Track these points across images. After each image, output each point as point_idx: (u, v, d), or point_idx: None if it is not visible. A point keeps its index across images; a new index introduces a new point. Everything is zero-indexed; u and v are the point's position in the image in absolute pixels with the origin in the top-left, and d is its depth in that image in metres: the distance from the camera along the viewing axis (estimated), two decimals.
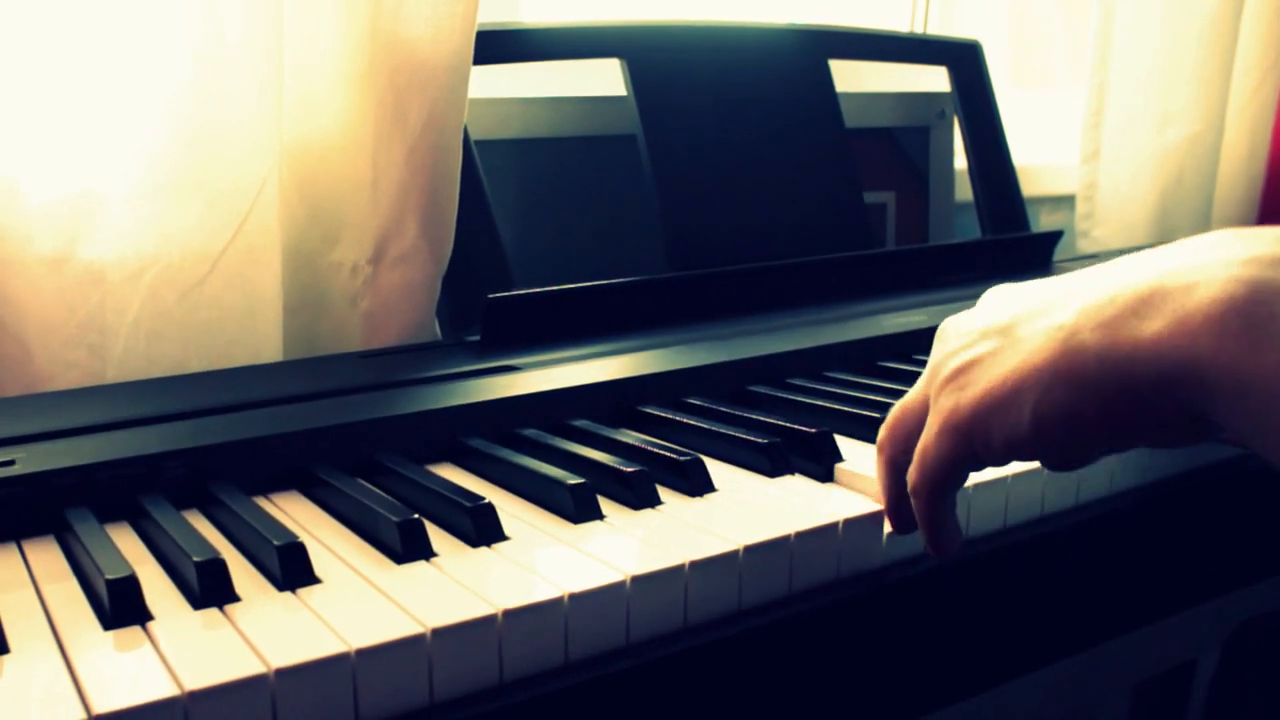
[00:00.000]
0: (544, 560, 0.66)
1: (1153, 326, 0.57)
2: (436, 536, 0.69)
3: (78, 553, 0.66)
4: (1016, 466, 0.79)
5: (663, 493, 0.76)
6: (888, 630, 0.73)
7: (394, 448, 0.82)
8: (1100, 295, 0.60)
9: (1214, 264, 0.56)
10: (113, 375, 0.99)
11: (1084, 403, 0.59)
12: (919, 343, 1.11)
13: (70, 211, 0.96)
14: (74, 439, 0.78)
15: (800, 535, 0.69)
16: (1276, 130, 2.08)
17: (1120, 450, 0.65)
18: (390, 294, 1.10)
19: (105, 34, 0.95)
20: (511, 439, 0.86)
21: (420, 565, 0.65)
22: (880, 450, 0.73)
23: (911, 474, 0.68)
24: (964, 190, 1.58)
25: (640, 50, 1.24)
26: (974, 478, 0.76)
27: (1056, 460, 0.63)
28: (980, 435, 0.64)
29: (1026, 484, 0.80)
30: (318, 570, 0.64)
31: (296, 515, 0.75)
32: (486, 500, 0.70)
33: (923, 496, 0.68)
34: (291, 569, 0.63)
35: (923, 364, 1.05)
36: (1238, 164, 2.04)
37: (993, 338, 0.65)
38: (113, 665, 0.54)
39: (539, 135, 1.28)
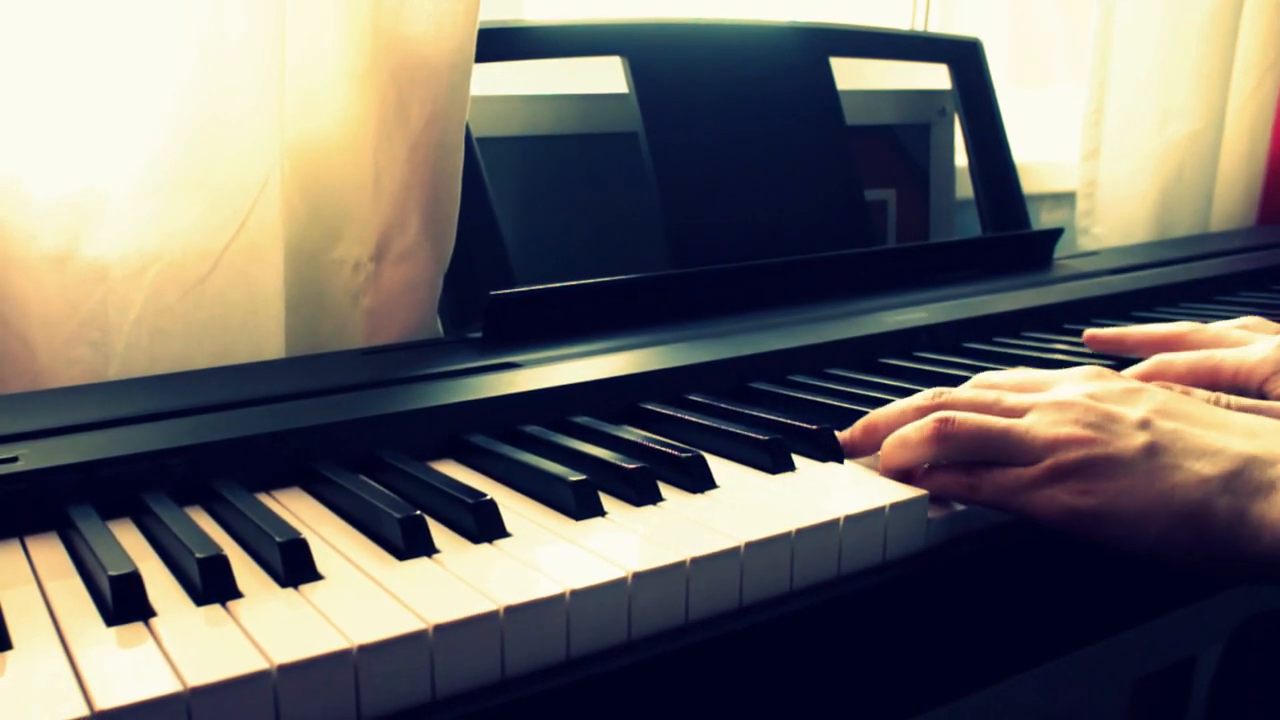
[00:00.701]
0: (546, 556, 0.66)
1: (1273, 509, 0.65)
2: (438, 533, 0.69)
3: (80, 549, 0.66)
4: None
5: (664, 489, 0.76)
6: (889, 626, 0.73)
7: (396, 444, 0.82)
8: (1238, 460, 0.67)
9: None
10: (115, 372, 0.99)
11: (1199, 549, 0.67)
12: (919, 340, 1.11)
13: (73, 209, 0.96)
14: (77, 436, 0.78)
15: (801, 532, 0.69)
16: (1276, 128, 2.08)
17: None
18: (392, 291, 1.10)
19: (107, 32, 0.95)
20: (513, 435, 0.86)
21: (422, 562, 0.65)
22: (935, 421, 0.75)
23: (982, 491, 0.73)
24: (965, 188, 1.58)
25: (642, 48, 1.24)
26: None
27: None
28: (1087, 529, 0.69)
29: None
30: (320, 567, 0.64)
31: (299, 512, 0.75)
32: (488, 497, 0.70)
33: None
34: (294, 565, 0.63)
35: (924, 361, 1.06)
36: (1238, 161, 2.04)
37: (1138, 448, 0.69)
38: (115, 661, 0.54)
39: (541, 133, 1.28)
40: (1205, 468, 0.67)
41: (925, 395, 0.80)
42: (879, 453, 0.79)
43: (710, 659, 0.64)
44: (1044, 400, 0.74)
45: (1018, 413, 0.75)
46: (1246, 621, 1.54)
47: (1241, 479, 0.66)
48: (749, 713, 0.66)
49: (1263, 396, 0.84)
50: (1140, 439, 0.69)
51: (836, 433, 0.83)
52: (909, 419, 0.78)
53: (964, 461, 0.74)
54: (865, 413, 0.88)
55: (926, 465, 0.76)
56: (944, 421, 0.74)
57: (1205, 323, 1.01)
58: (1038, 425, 0.72)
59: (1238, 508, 0.65)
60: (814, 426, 0.83)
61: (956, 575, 0.74)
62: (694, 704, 0.64)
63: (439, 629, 0.56)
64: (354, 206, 1.08)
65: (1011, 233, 1.54)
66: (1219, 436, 0.69)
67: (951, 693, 0.77)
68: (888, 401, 0.90)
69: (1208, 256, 1.61)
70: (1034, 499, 0.70)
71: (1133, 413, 0.71)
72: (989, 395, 0.77)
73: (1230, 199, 2.06)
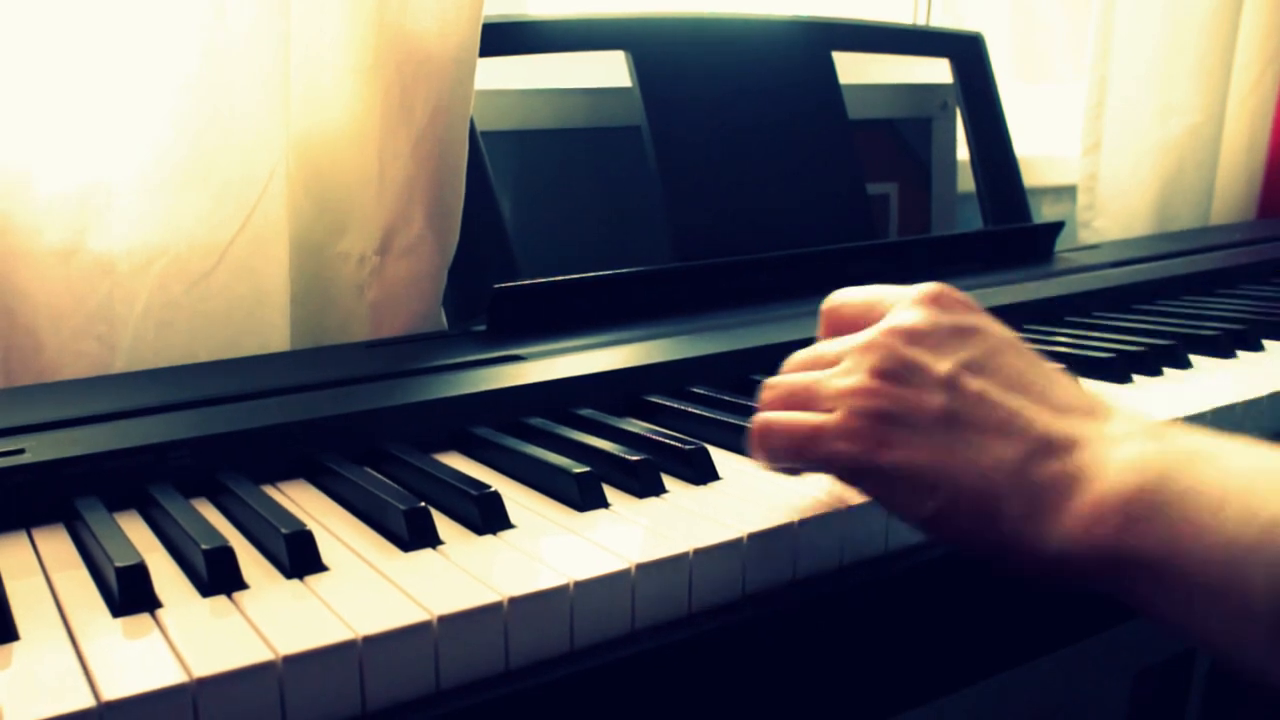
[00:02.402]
0: (549, 548, 0.66)
1: (1065, 505, 0.60)
2: (443, 524, 0.69)
3: (87, 541, 0.66)
4: None
5: (668, 481, 0.76)
6: (890, 618, 0.73)
7: (401, 437, 0.83)
8: (1038, 443, 0.62)
9: (1122, 453, 0.60)
10: (121, 365, 0.99)
11: (983, 540, 0.62)
12: None
13: (79, 203, 0.97)
14: (83, 428, 0.78)
15: (804, 522, 0.69)
16: (1277, 122, 2.08)
17: None
18: (397, 284, 1.11)
19: (114, 27, 0.95)
20: (517, 428, 0.86)
21: (427, 553, 0.65)
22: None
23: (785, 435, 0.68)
24: (966, 181, 1.58)
25: (644, 42, 1.24)
26: None
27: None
28: (870, 487, 0.65)
29: None
30: (325, 558, 0.64)
31: (304, 504, 0.75)
32: (493, 489, 0.70)
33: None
34: (299, 557, 0.63)
35: None
36: (1238, 155, 2.04)
37: (934, 412, 0.64)
38: (122, 652, 0.54)
39: (544, 127, 1.29)
40: (1000, 448, 0.61)
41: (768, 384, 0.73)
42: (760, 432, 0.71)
43: (713, 649, 0.64)
44: (856, 343, 0.68)
45: (829, 357, 0.69)
46: None
47: (1036, 466, 0.61)
48: (753, 703, 0.67)
49: None
50: (938, 400, 0.63)
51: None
52: (773, 405, 0.71)
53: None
54: None
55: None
56: (767, 388, 0.71)
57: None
58: (837, 375, 0.67)
59: (1028, 499, 0.60)
60: None
61: (958, 567, 0.74)
62: (697, 694, 0.65)
63: (443, 620, 0.56)
64: (359, 200, 1.08)
65: (1013, 226, 1.55)
66: (1025, 409, 0.63)
67: (952, 684, 0.77)
68: None
69: (1208, 250, 1.62)
70: (825, 452, 0.65)
71: (940, 364, 0.64)
72: (811, 353, 0.72)
73: (1231, 193, 2.06)
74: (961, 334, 0.67)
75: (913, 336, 0.66)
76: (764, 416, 0.69)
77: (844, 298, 0.75)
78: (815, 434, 0.66)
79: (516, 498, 0.74)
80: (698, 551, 0.65)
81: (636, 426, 0.84)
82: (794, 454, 0.67)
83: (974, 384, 0.64)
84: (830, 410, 0.66)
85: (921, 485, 0.62)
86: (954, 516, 0.61)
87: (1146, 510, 0.57)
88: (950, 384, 0.64)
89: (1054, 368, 0.68)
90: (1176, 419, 0.89)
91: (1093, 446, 0.61)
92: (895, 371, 0.65)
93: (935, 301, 0.68)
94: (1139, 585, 0.57)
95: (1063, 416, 0.63)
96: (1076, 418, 0.63)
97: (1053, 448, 0.61)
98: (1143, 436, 0.61)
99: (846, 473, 0.66)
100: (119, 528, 0.65)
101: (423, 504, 0.68)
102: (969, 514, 0.61)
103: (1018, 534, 0.60)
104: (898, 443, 0.63)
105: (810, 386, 0.68)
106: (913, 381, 0.64)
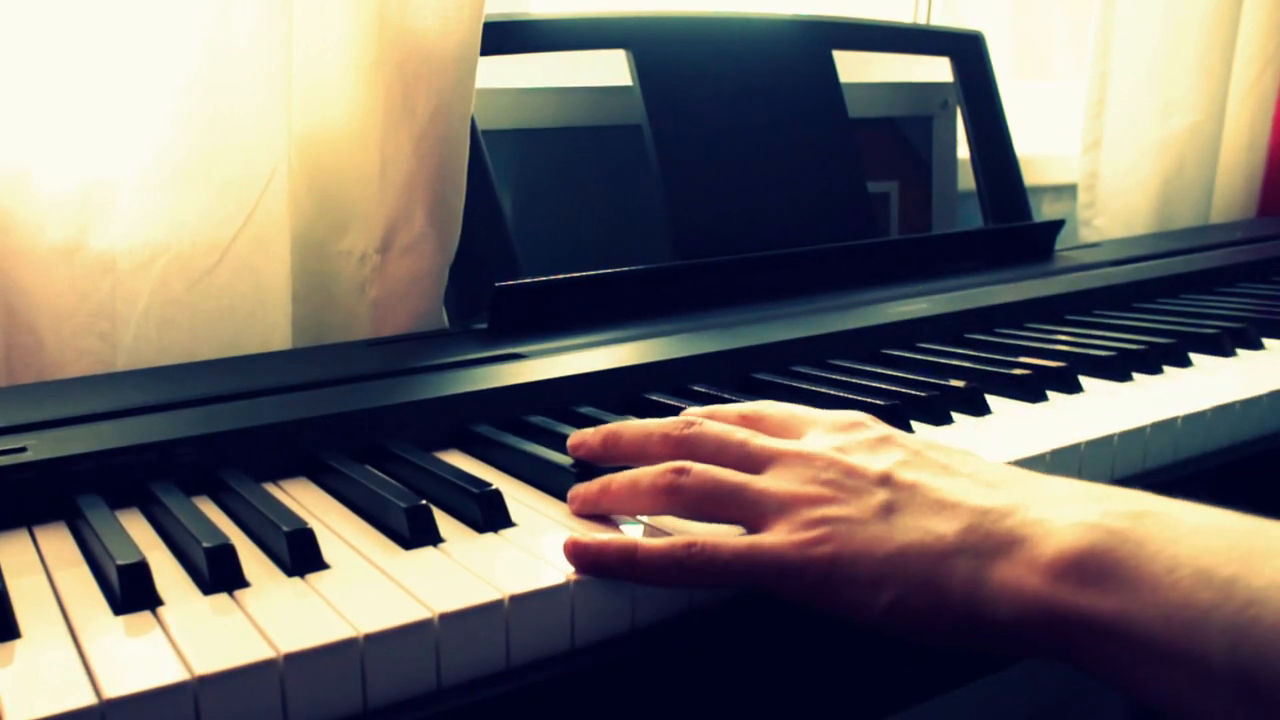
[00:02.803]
0: (551, 546, 0.66)
1: (1013, 570, 0.59)
2: (444, 522, 0.69)
3: (89, 538, 0.66)
4: (1032, 452, 0.80)
5: None
6: None
7: (402, 434, 0.83)
8: (974, 515, 0.61)
9: (1067, 514, 0.59)
10: (123, 363, 1.00)
11: (938, 619, 0.61)
12: (921, 331, 1.11)
13: (81, 201, 0.97)
14: (85, 426, 0.78)
15: None
16: (1277, 120, 2.08)
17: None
18: (398, 282, 1.11)
19: (116, 25, 0.95)
20: (518, 426, 0.86)
21: (428, 551, 0.65)
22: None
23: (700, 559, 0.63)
24: (966, 179, 1.59)
25: (645, 41, 1.24)
26: (995, 459, 0.78)
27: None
28: (817, 596, 0.63)
29: (1030, 469, 0.81)
30: (326, 556, 0.64)
31: (305, 501, 0.75)
32: (493, 486, 0.70)
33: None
34: (300, 555, 0.63)
35: (926, 351, 1.06)
36: (1238, 153, 2.04)
37: (875, 507, 0.64)
38: (123, 650, 0.54)
39: (545, 125, 1.29)
40: (941, 525, 0.61)
41: (676, 422, 0.72)
42: (605, 488, 0.70)
43: (715, 645, 0.65)
44: (789, 449, 0.68)
45: (762, 459, 0.68)
46: None
47: (978, 534, 0.60)
48: (755, 696, 0.67)
49: None
50: (878, 497, 0.63)
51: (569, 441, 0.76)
52: (654, 446, 0.71)
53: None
54: (867, 402, 0.88)
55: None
56: (679, 471, 0.67)
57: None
58: (775, 482, 0.66)
59: (975, 570, 0.59)
60: None
61: None
62: (699, 690, 0.65)
63: (445, 618, 0.57)
64: (360, 199, 1.08)
65: (1013, 224, 1.55)
66: (959, 488, 0.64)
67: (951, 683, 0.77)
68: (890, 391, 0.90)
69: (1208, 248, 1.62)
70: (761, 561, 0.63)
71: (875, 465, 0.66)
72: (737, 435, 0.70)
73: (1231, 191, 2.06)
74: (884, 442, 0.69)
75: (843, 449, 0.67)
76: (701, 477, 0.67)
77: (761, 408, 0.76)
78: (754, 550, 0.63)
79: (518, 495, 0.74)
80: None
81: None
82: (724, 575, 0.64)
83: (908, 476, 0.65)
84: (758, 518, 0.65)
85: (869, 582, 0.61)
86: (906, 610, 0.60)
87: (1098, 571, 0.56)
88: (887, 480, 0.65)
89: (977, 457, 0.69)
90: (1177, 417, 0.89)
91: (1035, 509, 0.61)
92: (836, 479, 0.65)
93: (853, 425, 0.71)
94: (1093, 648, 0.57)
95: (997, 489, 0.63)
96: (1010, 488, 0.63)
97: (992, 514, 0.61)
98: (1086, 499, 0.61)
99: (788, 583, 0.63)
100: (120, 525, 0.65)
101: (424, 502, 0.68)
102: (920, 601, 0.60)
103: (969, 605, 0.59)
104: (843, 543, 0.62)
105: (735, 489, 0.66)
106: (851, 485, 0.65)
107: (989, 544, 0.60)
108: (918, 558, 0.60)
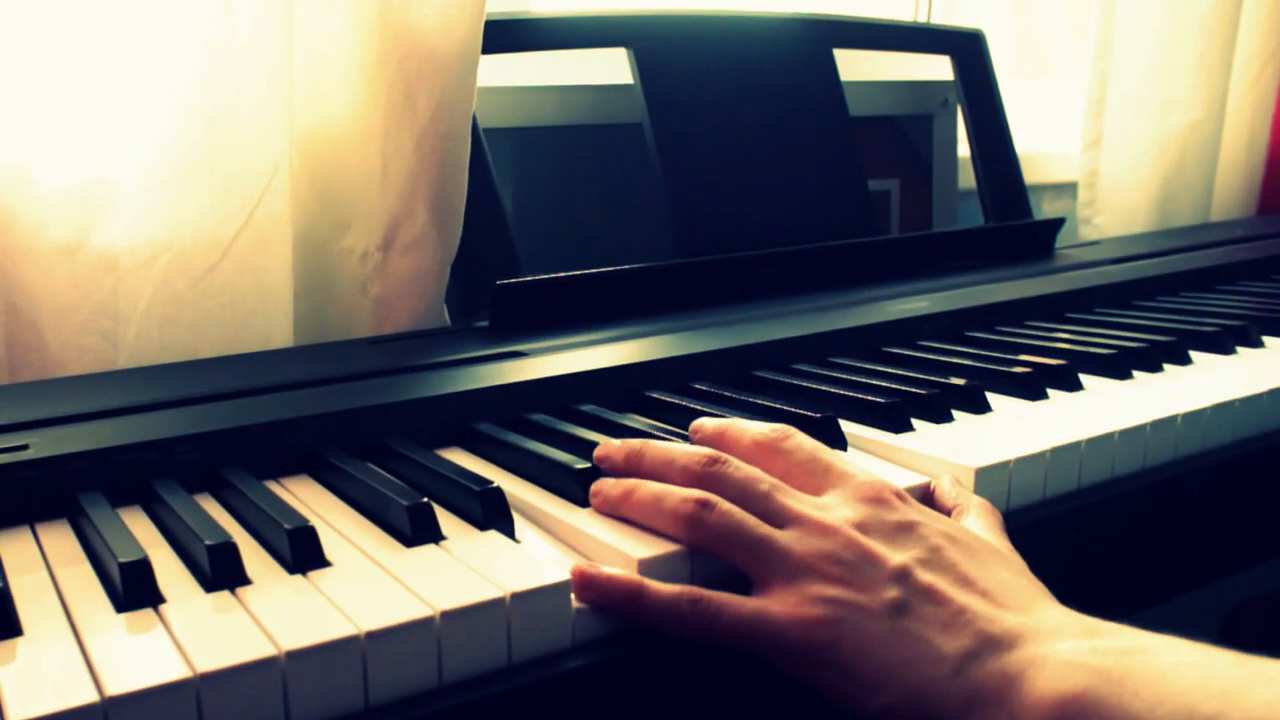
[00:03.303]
0: (552, 544, 0.66)
1: (1003, 715, 0.60)
2: (445, 520, 0.69)
3: (90, 536, 0.66)
4: (1033, 450, 0.80)
5: None
6: None
7: (403, 432, 0.83)
8: (979, 640, 0.62)
9: (1060, 651, 0.60)
10: (125, 361, 1.00)
11: None
12: (922, 329, 1.11)
13: (83, 199, 0.97)
14: (87, 424, 0.78)
15: None
16: (1277, 118, 2.08)
17: None
18: (400, 280, 1.11)
19: (118, 23, 0.95)
20: (520, 424, 0.87)
21: (429, 549, 0.66)
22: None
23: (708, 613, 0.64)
24: (967, 178, 1.59)
25: (646, 39, 1.24)
26: (994, 457, 0.78)
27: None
28: (816, 679, 0.63)
29: (1030, 467, 0.81)
30: (328, 553, 0.64)
31: (307, 499, 0.75)
32: (495, 484, 0.70)
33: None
34: (302, 552, 0.63)
35: (927, 349, 1.06)
36: (1238, 152, 2.04)
37: (885, 604, 0.63)
38: (125, 647, 0.55)
39: (547, 123, 1.29)
40: (945, 644, 0.61)
41: (700, 458, 0.71)
42: (629, 494, 0.70)
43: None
44: (811, 516, 0.67)
45: (783, 519, 0.67)
46: (1240, 607, 1.54)
47: (976, 663, 0.61)
48: (761, 696, 0.67)
49: None
50: (891, 593, 0.63)
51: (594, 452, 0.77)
52: (674, 477, 0.71)
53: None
54: (868, 400, 0.88)
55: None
56: (704, 505, 0.66)
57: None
58: (796, 546, 0.65)
59: (968, 700, 0.60)
60: (817, 414, 0.84)
61: None
62: (700, 687, 0.65)
63: (446, 615, 0.57)
64: (362, 196, 1.08)
65: (1013, 223, 1.55)
66: (970, 605, 0.63)
67: None
68: (891, 389, 0.90)
69: (1208, 246, 1.62)
70: (763, 633, 0.63)
71: (894, 557, 0.65)
72: (763, 485, 0.69)
73: (1231, 189, 2.06)
74: (907, 529, 0.68)
75: (865, 528, 0.67)
76: (728, 518, 0.67)
77: (786, 444, 0.75)
78: (758, 619, 0.63)
79: (519, 493, 0.74)
80: (696, 552, 0.66)
81: (639, 422, 0.85)
82: (724, 637, 0.64)
83: (924, 578, 0.65)
84: (769, 575, 0.65)
85: (865, 684, 0.62)
86: (898, 715, 0.61)
87: (1081, 711, 0.57)
88: (903, 576, 0.64)
89: (993, 551, 0.68)
90: (1178, 415, 0.89)
91: (1031, 645, 0.61)
92: (852, 562, 0.65)
93: (877, 500, 0.69)
94: None
95: (1004, 611, 0.63)
96: (1015, 612, 0.63)
97: (994, 645, 0.61)
98: (1078, 634, 0.61)
99: (786, 659, 0.63)
100: (122, 523, 0.66)
101: (425, 500, 0.68)
102: (912, 713, 0.61)
103: None
104: (847, 633, 0.62)
105: (757, 541, 0.66)
106: (866, 574, 0.64)
107: (985, 678, 0.61)
108: (916, 675, 0.61)
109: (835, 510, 0.68)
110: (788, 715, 0.68)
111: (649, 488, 0.69)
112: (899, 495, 0.71)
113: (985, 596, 0.64)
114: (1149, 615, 0.80)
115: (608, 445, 0.75)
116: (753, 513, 0.67)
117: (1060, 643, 0.61)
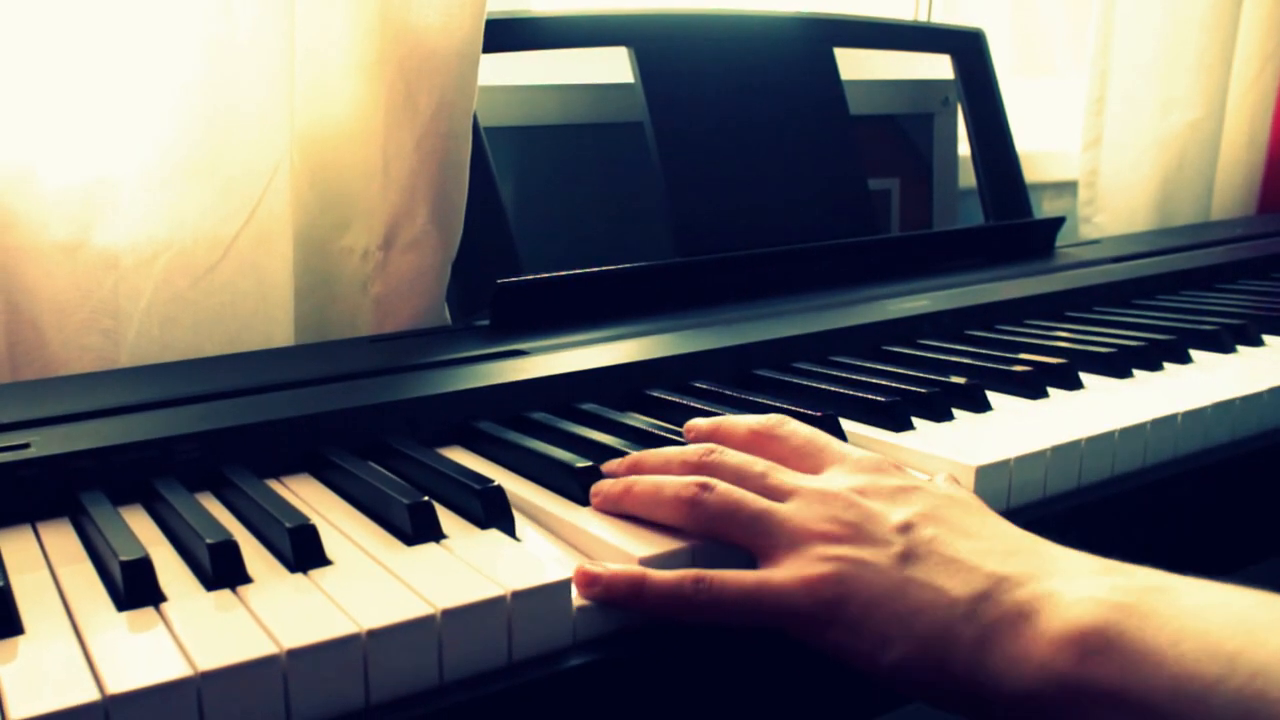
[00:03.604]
0: (553, 542, 0.66)
1: (1020, 645, 0.59)
2: (446, 518, 0.69)
3: (92, 535, 0.67)
4: (1033, 449, 0.80)
5: None
6: None
7: (404, 431, 0.83)
8: (989, 580, 0.61)
9: (1077, 587, 0.59)
10: (126, 360, 1.00)
11: (941, 683, 0.61)
12: (923, 328, 1.11)
13: (84, 198, 0.97)
14: (88, 422, 0.78)
15: None
16: (1277, 117, 2.08)
17: None
18: (400, 279, 1.11)
19: (119, 23, 0.95)
20: (520, 422, 0.87)
21: (430, 547, 0.66)
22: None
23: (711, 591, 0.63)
24: (967, 177, 1.59)
25: (647, 38, 1.24)
26: (995, 456, 0.79)
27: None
28: (824, 640, 0.63)
29: (1031, 466, 0.81)
30: (329, 552, 0.64)
31: (308, 497, 0.75)
32: (496, 483, 0.70)
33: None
34: (303, 551, 0.63)
35: (927, 348, 1.06)
36: (1238, 150, 2.04)
37: (892, 556, 0.63)
38: (126, 646, 0.55)
39: (547, 122, 1.29)
40: (955, 587, 0.61)
41: (696, 450, 0.73)
42: (629, 489, 0.70)
43: (718, 639, 0.65)
44: (809, 486, 0.68)
45: (780, 494, 0.68)
46: None
47: (989, 602, 0.60)
48: (763, 694, 0.67)
49: None
50: (896, 546, 0.63)
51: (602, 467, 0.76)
52: (674, 471, 0.72)
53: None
54: (868, 399, 0.88)
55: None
56: (703, 487, 0.67)
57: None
58: (796, 514, 0.66)
59: (981, 640, 0.59)
60: (818, 413, 0.84)
61: None
62: (701, 685, 0.65)
63: (447, 614, 0.57)
64: (363, 195, 1.08)
65: (1014, 221, 1.55)
66: (977, 551, 0.63)
67: None
68: (891, 388, 0.90)
69: (1208, 245, 1.62)
70: (768, 600, 0.63)
71: (895, 514, 0.65)
72: (758, 466, 0.71)
73: (1231, 188, 2.07)
74: (907, 491, 0.68)
75: (864, 492, 0.67)
76: (725, 496, 0.67)
77: (779, 430, 0.76)
78: (761, 588, 0.63)
79: (520, 492, 0.74)
80: (698, 547, 0.66)
81: (639, 421, 0.85)
82: (731, 613, 0.64)
83: (927, 530, 0.64)
84: (771, 547, 0.65)
85: (876, 637, 0.61)
86: (911, 667, 0.61)
87: (1104, 643, 0.56)
88: (906, 529, 0.64)
89: (996, 518, 0.68)
90: (1178, 414, 0.89)
91: (1045, 581, 0.61)
92: (855, 521, 0.65)
93: (876, 468, 0.70)
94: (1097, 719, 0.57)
95: (1012, 556, 0.63)
96: (1025, 557, 0.63)
97: (1005, 583, 0.61)
98: (1095, 572, 0.61)
99: (794, 624, 0.63)
100: (124, 522, 0.66)
101: (426, 498, 0.68)
102: (925, 663, 0.60)
103: (973, 673, 0.59)
104: (855, 589, 0.62)
105: (756, 514, 0.66)
106: (870, 531, 0.65)
107: (999, 615, 0.60)
108: (928, 622, 0.61)
109: (832, 480, 0.69)
110: (789, 711, 0.68)
111: (648, 480, 0.69)
112: (897, 466, 0.71)
113: (992, 544, 0.64)
114: None
115: (611, 464, 0.75)
116: (752, 491, 0.68)
117: (1078, 579, 0.60)
